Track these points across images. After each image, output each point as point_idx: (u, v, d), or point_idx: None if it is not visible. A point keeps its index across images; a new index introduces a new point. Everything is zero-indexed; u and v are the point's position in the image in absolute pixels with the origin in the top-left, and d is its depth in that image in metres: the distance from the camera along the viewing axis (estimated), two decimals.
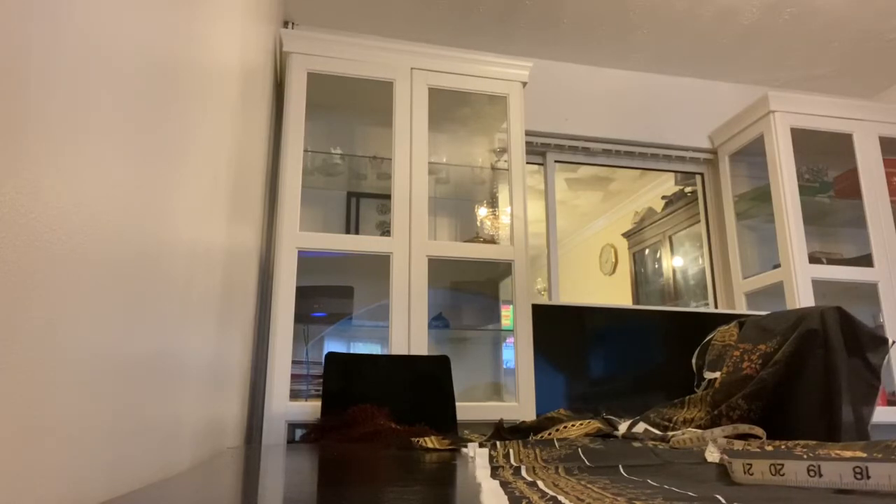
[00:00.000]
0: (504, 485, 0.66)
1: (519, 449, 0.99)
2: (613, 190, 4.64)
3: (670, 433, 1.31)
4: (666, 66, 3.16)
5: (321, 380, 1.98)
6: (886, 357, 1.49)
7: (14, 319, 0.42)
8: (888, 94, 3.34)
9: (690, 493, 0.55)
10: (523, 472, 0.77)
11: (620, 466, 0.79)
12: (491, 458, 0.94)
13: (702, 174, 3.28)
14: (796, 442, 0.97)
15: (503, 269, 2.50)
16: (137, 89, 0.67)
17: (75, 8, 0.50)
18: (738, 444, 1.06)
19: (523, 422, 1.87)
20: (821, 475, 0.57)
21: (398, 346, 2.15)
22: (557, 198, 3.04)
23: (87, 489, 0.56)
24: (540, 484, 0.66)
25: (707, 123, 3.19)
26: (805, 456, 0.82)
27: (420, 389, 1.95)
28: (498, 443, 1.12)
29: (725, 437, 1.22)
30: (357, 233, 2.62)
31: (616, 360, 2.45)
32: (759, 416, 1.39)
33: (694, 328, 2.27)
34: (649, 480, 0.65)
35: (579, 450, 0.95)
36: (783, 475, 0.59)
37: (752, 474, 0.62)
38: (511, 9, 2.70)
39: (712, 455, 0.91)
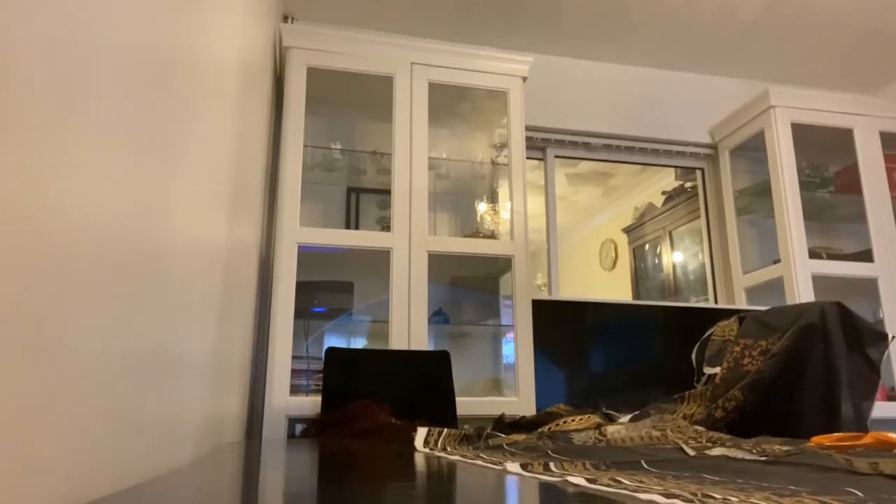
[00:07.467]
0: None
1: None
2: (613, 185, 4.64)
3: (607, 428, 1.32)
4: (666, 61, 3.15)
5: (321, 375, 1.98)
6: (886, 352, 1.49)
7: (14, 318, 0.42)
8: (889, 90, 3.33)
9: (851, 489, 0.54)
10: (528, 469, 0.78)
11: (643, 461, 0.77)
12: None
13: (702, 169, 3.27)
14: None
15: (503, 265, 2.50)
16: (137, 86, 0.66)
17: (74, 5, 0.50)
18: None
19: (523, 417, 1.88)
20: None
21: (398, 342, 2.16)
22: (557, 193, 3.03)
23: (89, 484, 0.56)
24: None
25: (707, 118, 3.18)
26: None
27: (420, 385, 1.95)
28: (449, 447, 1.13)
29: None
30: (357, 228, 2.62)
31: (616, 355, 2.45)
32: (753, 408, 1.40)
33: (694, 323, 2.27)
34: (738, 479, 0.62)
35: (549, 451, 0.94)
36: None
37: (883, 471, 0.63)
38: (511, 4, 2.69)
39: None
